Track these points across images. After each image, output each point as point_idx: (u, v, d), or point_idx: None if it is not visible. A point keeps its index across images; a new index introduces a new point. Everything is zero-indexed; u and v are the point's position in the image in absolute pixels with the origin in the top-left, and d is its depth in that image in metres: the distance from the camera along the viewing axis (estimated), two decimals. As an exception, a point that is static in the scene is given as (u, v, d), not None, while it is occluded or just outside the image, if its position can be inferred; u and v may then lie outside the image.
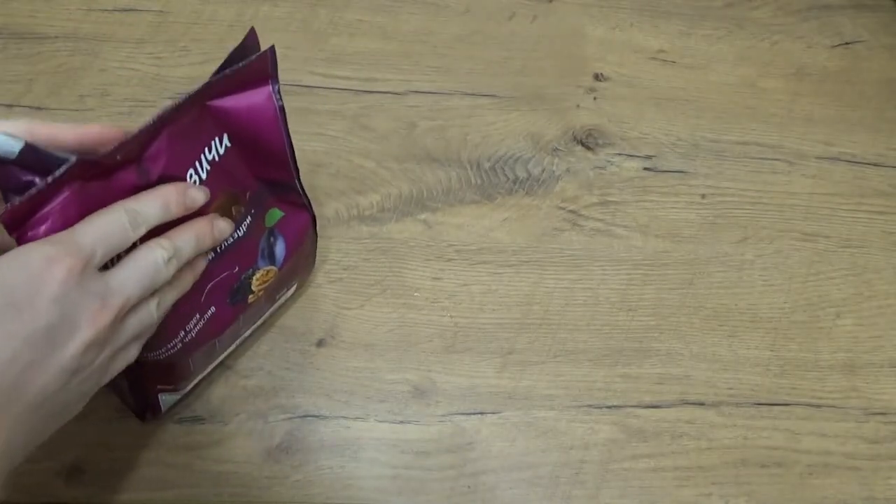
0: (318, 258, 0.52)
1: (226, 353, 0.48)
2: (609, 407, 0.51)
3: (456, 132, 0.61)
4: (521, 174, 0.59)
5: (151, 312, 0.35)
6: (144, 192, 0.35)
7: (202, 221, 0.38)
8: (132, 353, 0.36)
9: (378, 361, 0.51)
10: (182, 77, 0.60)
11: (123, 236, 0.33)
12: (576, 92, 0.64)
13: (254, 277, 0.44)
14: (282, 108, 0.40)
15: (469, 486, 0.48)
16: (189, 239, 0.36)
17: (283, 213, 0.45)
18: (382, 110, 0.61)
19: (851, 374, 0.54)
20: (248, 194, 0.41)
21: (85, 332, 0.31)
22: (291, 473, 0.47)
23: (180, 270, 0.37)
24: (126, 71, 0.60)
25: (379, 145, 0.59)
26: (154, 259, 0.34)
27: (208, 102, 0.37)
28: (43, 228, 0.32)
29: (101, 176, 0.33)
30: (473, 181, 0.59)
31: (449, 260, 0.55)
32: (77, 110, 0.58)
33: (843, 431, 0.52)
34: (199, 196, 0.36)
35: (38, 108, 0.58)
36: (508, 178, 0.59)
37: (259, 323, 0.50)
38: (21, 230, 0.31)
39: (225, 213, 0.40)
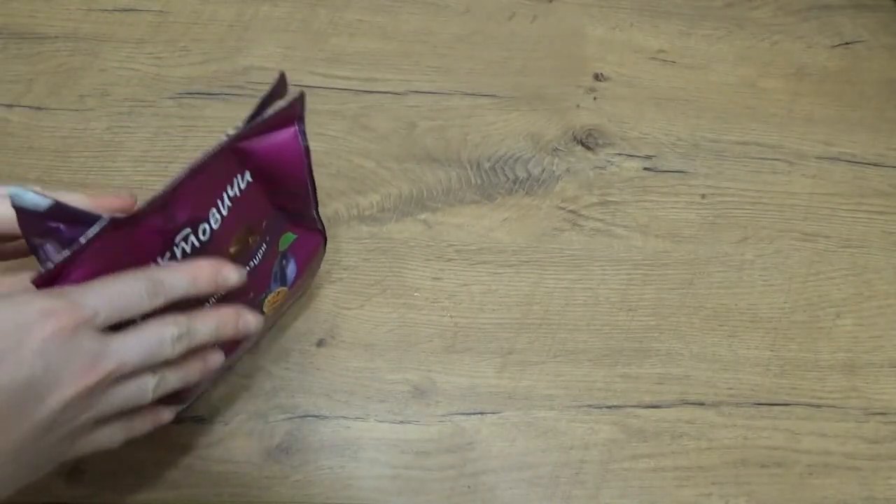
0: (318, 258, 0.52)
1: (231, 364, 0.48)
2: (609, 407, 0.51)
3: (456, 132, 0.61)
4: (521, 174, 0.59)
5: (146, 389, 0.34)
6: (176, 263, 0.34)
7: (230, 311, 0.37)
8: (116, 437, 0.34)
9: (378, 361, 0.51)
10: (182, 77, 0.60)
11: (137, 303, 0.32)
12: (576, 92, 0.64)
13: (266, 300, 0.45)
14: (307, 149, 0.40)
15: (469, 486, 0.48)
16: (208, 324, 0.35)
17: (295, 236, 0.45)
18: (382, 110, 0.61)
19: (851, 374, 0.54)
20: (264, 223, 0.42)
21: (67, 389, 0.30)
22: (291, 473, 0.47)
23: (189, 357, 0.36)
24: (126, 71, 0.60)
25: (379, 145, 0.59)
26: (162, 333, 0.33)
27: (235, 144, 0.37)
28: (71, 280, 0.32)
29: (127, 223, 0.33)
30: (473, 181, 0.59)
31: (449, 260, 0.55)
32: (77, 110, 0.58)
33: (843, 431, 0.52)
34: (232, 277, 0.35)
35: (38, 108, 0.58)
36: (508, 178, 0.59)
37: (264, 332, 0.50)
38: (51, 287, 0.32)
39: (242, 244, 0.40)
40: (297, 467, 0.47)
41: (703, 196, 0.60)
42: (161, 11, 0.63)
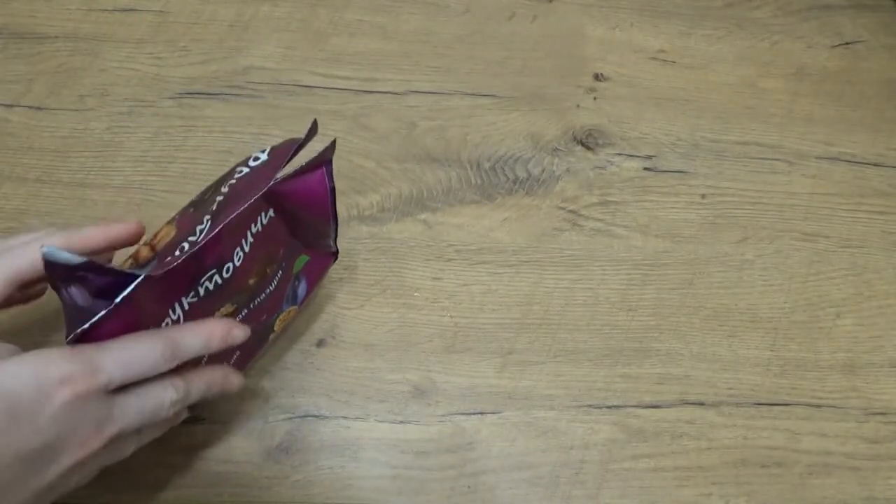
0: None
1: None
2: (609, 407, 0.51)
3: (456, 132, 0.61)
4: (521, 174, 0.59)
5: (127, 450, 0.35)
6: (191, 325, 0.34)
7: (218, 372, 0.37)
8: (81, 482, 0.35)
9: (378, 361, 0.51)
10: (182, 77, 0.60)
11: (154, 367, 0.32)
12: (576, 92, 0.64)
13: (277, 319, 0.45)
14: (332, 189, 0.41)
15: (469, 486, 0.48)
16: (201, 387, 0.36)
17: (309, 258, 0.46)
18: (382, 110, 0.61)
19: (851, 374, 0.54)
20: (281, 251, 0.42)
21: (71, 456, 0.30)
22: (291, 473, 0.47)
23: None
24: (126, 71, 0.60)
25: (379, 145, 0.59)
26: (163, 399, 0.34)
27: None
28: (101, 333, 0.32)
29: (161, 278, 0.33)
30: (473, 181, 0.59)
31: (449, 260, 0.55)
32: (77, 110, 0.58)
33: (843, 431, 0.52)
34: (240, 336, 0.36)
35: (38, 108, 0.58)
36: (508, 178, 0.59)
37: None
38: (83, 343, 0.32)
39: (261, 275, 0.40)
40: (297, 467, 0.47)
41: (703, 196, 0.60)
42: (161, 11, 0.63)
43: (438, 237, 0.56)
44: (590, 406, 0.51)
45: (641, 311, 0.55)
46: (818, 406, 0.53)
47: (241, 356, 0.44)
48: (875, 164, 0.63)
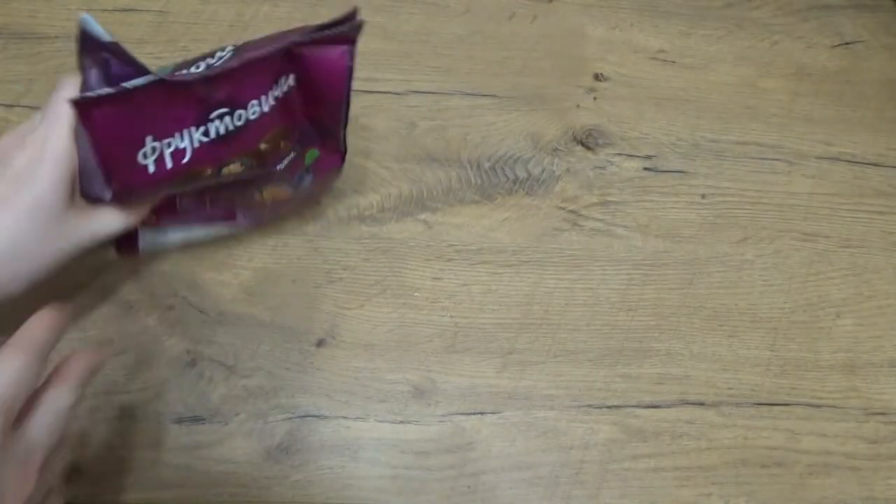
0: (318, 259, 0.52)
1: (209, 237, 0.50)
2: (609, 407, 0.51)
3: (456, 132, 0.61)
4: (521, 174, 0.59)
5: (64, 458, 0.34)
6: (25, 326, 0.32)
7: (91, 355, 0.36)
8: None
9: (378, 361, 0.51)
10: (182, 77, 0.60)
11: (37, 379, 0.31)
12: (576, 92, 0.64)
13: (265, 190, 0.47)
14: (350, 69, 0.42)
15: (469, 486, 0.48)
16: (86, 374, 0.35)
17: (319, 154, 0.47)
18: (382, 110, 0.61)
19: (851, 374, 0.54)
20: (297, 133, 0.44)
21: (15, 499, 0.29)
22: (291, 473, 0.47)
23: None
24: (126, 71, 0.60)
25: (379, 145, 0.59)
26: (64, 405, 0.32)
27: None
28: (100, 111, 0.34)
29: (174, 86, 0.36)
30: (473, 181, 0.59)
31: (449, 260, 0.55)
32: (77, 110, 0.58)
33: (843, 431, 0.52)
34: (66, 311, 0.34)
35: (39, 108, 0.57)
36: (508, 178, 0.59)
37: (252, 225, 0.51)
38: (86, 112, 0.34)
39: (275, 145, 0.42)
40: (297, 467, 0.47)
41: (703, 196, 0.60)
42: (161, 11, 0.63)
43: (438, 237, 0.56)
44: (590, 406, 0.51)
45: (641, 311, 0.55)
46: (818, 406, 0.53)
47: (216, 204, 0.46)
48: (875, 164, 0.63)
